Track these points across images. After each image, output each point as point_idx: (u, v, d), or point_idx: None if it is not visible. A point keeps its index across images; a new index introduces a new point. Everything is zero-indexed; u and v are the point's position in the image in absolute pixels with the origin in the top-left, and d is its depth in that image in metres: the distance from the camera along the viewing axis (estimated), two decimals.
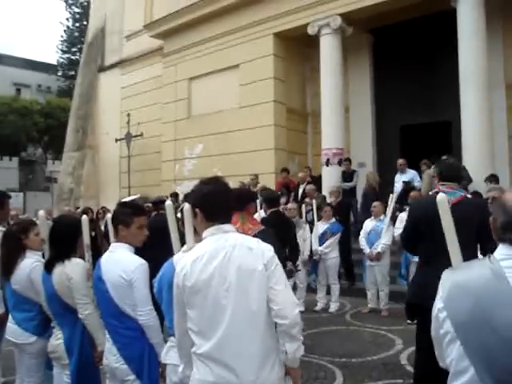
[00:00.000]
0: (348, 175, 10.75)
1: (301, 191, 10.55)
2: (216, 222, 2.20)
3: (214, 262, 2.08)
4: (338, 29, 11.11)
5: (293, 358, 2.11)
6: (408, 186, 9.43)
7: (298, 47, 12.80)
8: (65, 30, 42.46)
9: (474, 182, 8.35)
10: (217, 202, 2.23)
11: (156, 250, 3.16)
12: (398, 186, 9.87)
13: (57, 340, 3.21)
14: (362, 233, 7.77)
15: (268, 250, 2.13)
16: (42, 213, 3.83)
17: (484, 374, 1.32)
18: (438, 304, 1.46)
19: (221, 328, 2.03)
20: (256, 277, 2.05)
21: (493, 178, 7.89)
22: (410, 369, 5.04)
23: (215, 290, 2.06)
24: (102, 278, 2.84)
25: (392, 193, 8.25)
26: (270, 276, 2.06)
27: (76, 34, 41.59)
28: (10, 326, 3.51)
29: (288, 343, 2.08)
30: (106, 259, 2.92)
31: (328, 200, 9.36)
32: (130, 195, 14.44)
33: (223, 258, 2.08)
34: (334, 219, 8.13)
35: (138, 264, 2.81)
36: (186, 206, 2.53)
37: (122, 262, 2.81)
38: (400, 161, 10.13)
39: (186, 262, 2.15)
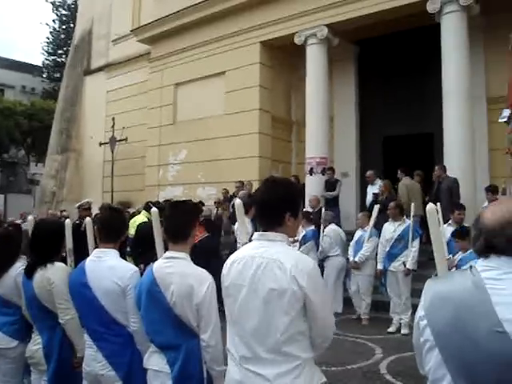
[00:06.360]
0: (331, 184, 10.78)
1: None
2: (263, 226, 2.06)
3: (248, 271, 1.98)
4: (325, 39, 11.21)
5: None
6: (377, 198, 9.39)
7: (285, 56, 12.86)
8: (51, 32, 41.98)
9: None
10: (263, 206, 2.06)
11: None
12: (369, 198, 10.02)
13: (35, 345, 3.15)
14: (352, 242, 7.95)
15: (308, 269, 1.92)
16: (31, 217, 3.87)
17: (460, 382, 1.34)
18: (420, 312, 1.48)
19: (244, 336, 1.98)
20: (286, 297, 1.88)
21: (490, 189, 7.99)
22: (390, 378, 5.08)
23: (245, 299, 1.99)
24: (88, 285, 2.77)
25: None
26: (308, 299, 1.90)
27: (62, 36, 41.16)
28: None
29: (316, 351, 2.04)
30: (92, 266, 2.84)
31: (308, 208, 9.34)
32: (112, 199, 14.37)
33: (256, 270, 1.96)
34: (310, 227, 8.13)
35: (134, 271, 2.78)
36: (237, 201, 2.54)
37: (116, 269, 2.76)
38: (368, 173, 10.32)
39: (228, 261, 2.12)
